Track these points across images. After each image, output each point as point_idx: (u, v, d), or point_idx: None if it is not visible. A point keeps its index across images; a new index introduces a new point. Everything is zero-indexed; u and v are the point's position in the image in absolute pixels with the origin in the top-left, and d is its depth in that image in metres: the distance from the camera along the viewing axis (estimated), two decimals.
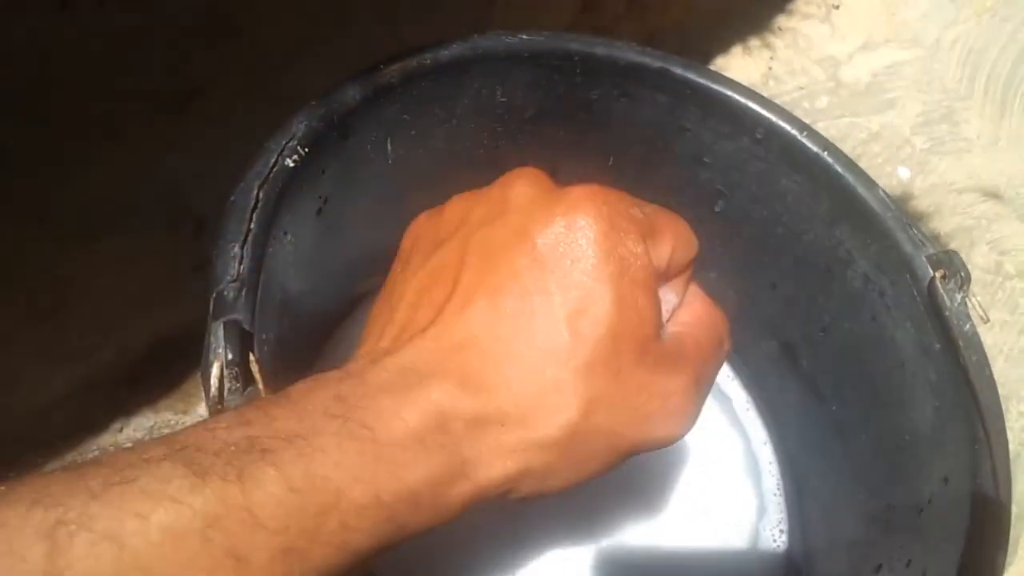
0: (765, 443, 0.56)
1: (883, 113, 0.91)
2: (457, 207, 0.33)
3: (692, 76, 0.45)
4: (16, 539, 0.19)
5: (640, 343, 0.28)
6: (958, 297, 0.40)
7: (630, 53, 0.45)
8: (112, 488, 0.20)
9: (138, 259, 0.56)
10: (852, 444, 0.49)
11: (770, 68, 0.90)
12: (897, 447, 0.44)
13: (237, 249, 0.33)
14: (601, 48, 0.45)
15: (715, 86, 0.46)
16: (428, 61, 0.42)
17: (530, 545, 0.48)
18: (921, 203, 0.86)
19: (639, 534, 0.50)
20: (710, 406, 0.56)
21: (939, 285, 0.40)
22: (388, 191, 0.47)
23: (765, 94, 0.46)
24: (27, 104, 0.45)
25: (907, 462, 0.44)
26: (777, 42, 0.91)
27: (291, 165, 0.37)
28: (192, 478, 0.21)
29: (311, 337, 0.51)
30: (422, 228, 0.35)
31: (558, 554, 0.48)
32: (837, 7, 0.95)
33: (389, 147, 0.45)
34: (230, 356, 0.30)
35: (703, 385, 0.30)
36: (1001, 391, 0.39)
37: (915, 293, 0.42)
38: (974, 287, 0.40)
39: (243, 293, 0.32)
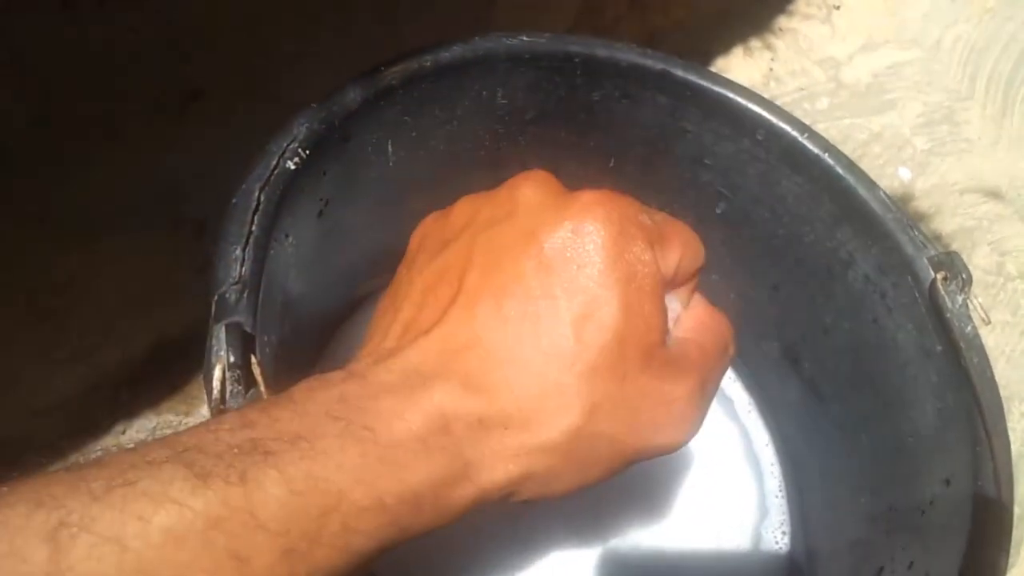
0: (767, 444, 0.56)
1: (884, 114, 0.90)
2: (465, 208, 0.33)
3: (693, 78, 0.45)
4: (18, 540, 0.19)
5: (645, 349, 0.28)
6: (959, 298, 0.40)
7: (631, 55, 0.45)
8: (114, 490, 0.20)
9: (139, 260, 0.56)
10: (854, 445, 0.49)
11: (771, 69, 0.89)
12: (899, 448, 0.44)
13: (238, 251, 0.33)
14: (602, 50, 0.45)
15: (716, 88, 0.46)
16: (429, 63, 0.42)
17: (532, 547, 0.48)
18: (922, 204, 0.86)
19: (641, 536, 0.50)
20: (712, 408, 0.56)
21: (940, 286, 0.40)
22: (389, 193, 0.47)
23: (766, 95, 0.46)
24: (27, 104, 0.46)
25: (909, 463, 0.44)
26: (778, 43, 0.91)
27: (292, 167, 0.37)
28: (194, 480, 0.21)
29: (313, 339, 0.51)
30: (429, 229, 0.34)
31: (560, 556, 0.48)
32: (838, 8, 0.95)
33: (390, 149, 0.45)
34: (232, 359, 0.30)
35: (708, 392, 0.30)
36: (1003, 392, 0.39)
37: (916, 294, 0.42)
38: (975, 288, 0.40)
39: (245, 295, 0.32)
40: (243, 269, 0.33)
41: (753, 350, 0.55)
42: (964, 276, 0.40)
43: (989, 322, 0.40)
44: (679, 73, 0.45)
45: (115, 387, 0.58)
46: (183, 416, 0.59)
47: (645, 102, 0.47)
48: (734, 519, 0.52)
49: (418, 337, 0.28)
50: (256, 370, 0.30)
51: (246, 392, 0.29)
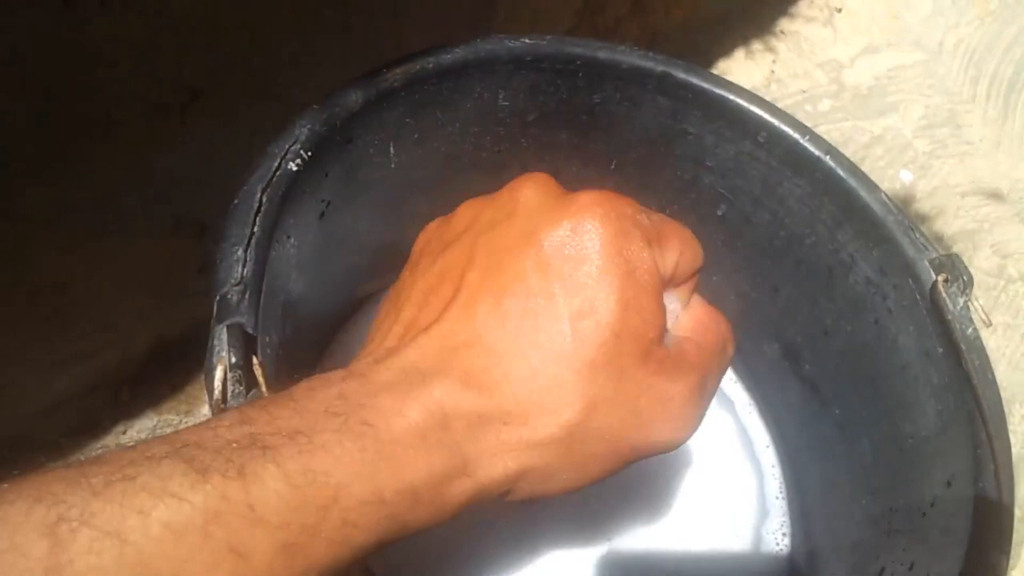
0: (767, 446, 0.56)
1: (886, 116, 0.91)
2: (466, 212, 0.33)
3: (694, 80, 0.45)
4: (18, 535, 0.19)
5: (643, 347, 0.28)
6: (960, 301, 0.40)
7: (632, 57, 0.45)
8: (113, 485, 0.20)
9: (140, 260, 0.56)
10: (854, 447, 0.49)
11: (772, 71, 0.90)
12: (899, 450, 0.44)
13: (240, 252, 0.33)
14: (603, 52, 0.45)
15: (717, 90, 0.46)
16: (430, 65, 0.42)
17: (532, 548, 0.48)
18: (923, 206, 0.86)
19: (641, 537, 0.50)
20: (713, 409, 0.56)
21: (942, 289, 0.40)
22: (390, 194, 0.47)
23: (767, 98, 0.46)
24: (27, 104, 0.46)
25: (910, 465, 0.44)
26: (779, 45, 0.91)
27: (294, 168, 0.37)
28: (193, 475, 0.21)
29: (314, 340, 0.51)
30: (432, 234, 0.35)
31: (560, 557, 0.48)
32: (839, 10, 0.95)
33: (392, 151, 0.45)
34: (233, 359, 0.30)
35: (706, 391, 0.30)
36: (1004, 394, 0.39)
37: (917, 296, 0.42)
38: (976, 290, 0.40)
39: (246, 296, 0.32)
40: (245, 270, 0.33)
41: (754, 351, 0.56)
42: (965, 278, 0.40)
43: (990, 324, 0.40)
44: (680, 75, 0.45)
45: (116, 387, 0.58)
46: (184, 416, 0.59)
47: (646, 104, 0.47)
48: (734, 520, 0.52)
49: (418, 336, 0.28)
50: (257, 371, 0.30)
51: (247, 392, 0.29)
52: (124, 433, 0.58)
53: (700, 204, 0.51)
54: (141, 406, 0.59)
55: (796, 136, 0.45)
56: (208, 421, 0.23)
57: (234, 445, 0.22)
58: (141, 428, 0.58)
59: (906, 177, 0.87)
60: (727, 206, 0.50)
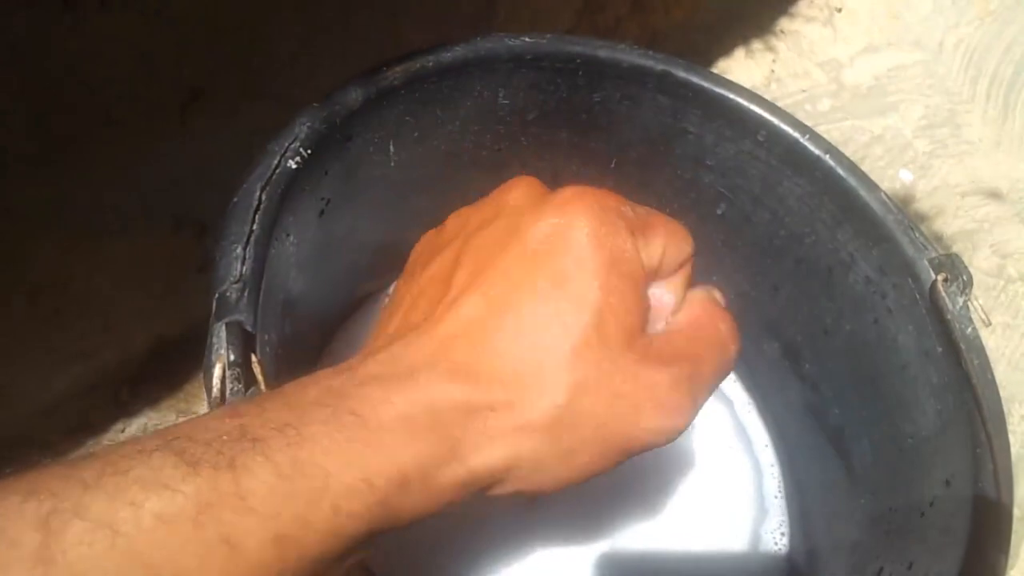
0: (766, 445, 0.56)
1: (885, 116, 0.91)
2: (455, 220, 0.34)
3: (694, 79, 0.45)
4: (11, 527, 0.19)
5: (626, 334, 0.28)
6: (960, 300, 0.40)
7: (632, 56, 0.45)
8: (106, 479, 0.20)
9: (140, 259, 0.56)
10: (854, 447, 0.49)
11: (772, 71, 0.90)
12: (899, 450, 0.44)
13: (239, 250, 0.33)
14: (603, 51, 0.45)
15: (717, 89, 0.46)
16: (430, 63, 0.42)
17: (530, 547, 0.48)
18: (923, 206, 0.86)
19: (640, 536, 0.50)
20: (712, 408, 0.56)
21: (941, 288, 0.40)
22: (390, 193, 0.47)
23: (767, 97, 0.46)
24: (27, 104, 0.46)
25: (909, 465, 0.44)
26: (779, 45, 0.91)
27: (293, 167, 0.37)
28: (184, 467, 0.21)
29: (313, 338, 0.51)
30: (424, 245, 0.36)
31: (558, 556, 0.48)
32: (839, 10, 0.95)
33: (391, 149, 0.45)
34: (232, 357, 0.30)
35: (697, 384, 0.30)
36: (1003, 394, 0.39)
37: (917, 296, 0.42)
38: (976, 290, 0.40)
39: (245, 294, 0.32)
40: (244, 268, 0.33)
41: (753, 350, 0.56)
42: (965, 278, 0.40)
43: (989, 324, 0.40)
44: (680, 74, 0.45)
45: (115, 387, 0.58)
46: (183, 415, 0.59)
47: (646, 103, 0.47)
48: (733, 520, 0.52)
49: (407, 334, 0.28)
50: (256, 369, 0.31)
51: (246, 391, 0.30)
52: (123, 432, 0.58)
53: (700, 203, 0.51)
54: (140, 405, 0.59)
55: (796, 135, 0.45)
56: (199, 416, 0.24)
57: (224, 438, 0.22)
58: (140, 427, 0.58)
59: (906, 177, 0.87)
60: (727, 205, 0.50)
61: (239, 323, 0.31)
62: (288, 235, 0.39)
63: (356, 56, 0.55)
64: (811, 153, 0.45)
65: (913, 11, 0.97)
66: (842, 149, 0.45)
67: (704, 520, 0.52)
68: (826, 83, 0.91)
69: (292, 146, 0.37)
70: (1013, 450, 0.38)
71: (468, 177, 0.50)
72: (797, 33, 0.92)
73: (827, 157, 0.45)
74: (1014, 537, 0.36)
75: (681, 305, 0.32)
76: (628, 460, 0.30)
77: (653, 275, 0.31)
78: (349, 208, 0.45)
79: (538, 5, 0.71)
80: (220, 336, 0.30)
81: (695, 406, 0.29)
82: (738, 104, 0.46)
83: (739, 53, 0.89)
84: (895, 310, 0.44)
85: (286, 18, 0.53)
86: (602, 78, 0.46)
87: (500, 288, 0.28)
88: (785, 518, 0.53)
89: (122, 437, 0.57)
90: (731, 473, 0.54)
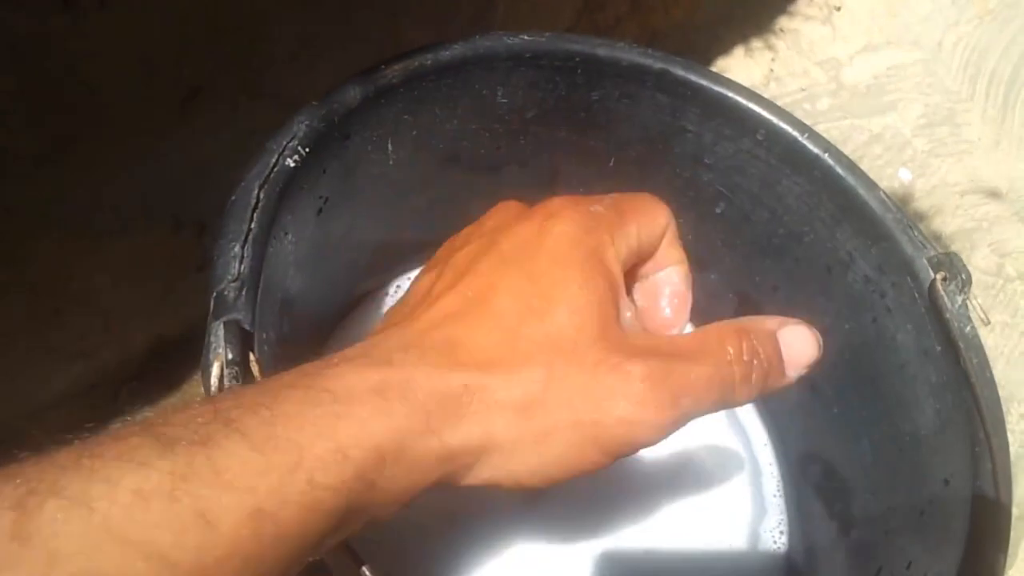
0: (765, 444, 0.56)
1: (884, 115, 0.91)
2: (442, 250, 0.36)
3: (693, 77, 0.45)
4: None
5: (601, 324, 0.29)
6: (959, 299, 0.40)
7: (632, 54, 0.45)
8: (82, 461, 0.20)
9: (140, 259, 0.56)
10: (852, 446, 0.49)
11: (771, 70, 0.90)
12: (898, 449, 0.44)
13: (238, 249, 0.33)
14: (602, 49, 0.45)
15: (716, 87, 0.46)
16: (429, 61, 0.42)
17: (530, 547, 0.48)
18: (922, 205, 0.86)
19: (639, 535, 0.50)
20: None
21: (940, 287, 0.40)
22: (389, 192, 0.47)
23: (766, 96, 0.46)
24: (28, 106, 0.46)
25: (908, 464, 0.44)
26: (779, 44, 0.91)
27: (292, 165, 0.37)
28: (160, 447, 0.21)
29: (312, 337, 0.51)
30: (418, 278, 0.37)
31: (557, 556, 0.48)
32: (839, 9, 0.95)
33: (390, 147, 0.45)
34: (230, 356, 0.30)
35: (678, 382, 0.29)
36: (1002, 393, 0.39)
37: (916, 295, 0.42)
38: (975, 289, 0.40)
39: (243, 293, 0.32)
40: (242, 266, 0.33)
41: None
42: (963, 276, 0.40)
43: (988, 323, 0.41)
44: (679, 72, 0.45)
45: (114, 386, 0.58)
46: None
47: (645, 101, 0.47)
48: (732, 519, 0.52)
49: (386, 329, 0.30)
50: (254, 367, 0.30)
51: None
52: None
53: (699, 202, 0.51)
54: (140, 405, 0.59)
55: (795, 134, 0.45)
56: (177, 406, 0.24)
57: (199, 420, 0.23)
58: None
59: (905, 176, 0.88)
60: (726, 204, 0.50)
61: (237, 322, 0.31)
62: (286, 234, 0.38)
63: (355, 55, 0.55)
64: (810, 152, 0.45)
65: (912, 10, 0.97)
66: (841, 148, 0.45)
67: (703, 519, 0.52)
68: (825, 82, 0.91)
69: (290, 144, 0.37)
70: (1012, 449, 0.38)
71: (467, 176, 0.50)
72: (796, 32, 0.92)
73: (826, 156, 0.45)
74: (1013, 536, 0.36)
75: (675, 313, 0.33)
76: (618, 463, 0.29)
77: (635, 257, 0.32)
78: (347, 207, 0.45)
79: (538, 3, 0.71)
80: (218, 335, 0.30)
81: (675, 405, 0.29)
82: (737, 103, 0.46)
83: (738, 52, 0.89)
84: (894, 309, 0.44)
85: (285, 17, 0.53)
86: (601, 77, 0.46)
87: (476, 287, 0.30)
88: (784, 517, 0.53)
89: None
90: (730, 472, 0.54)
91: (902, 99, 0.92)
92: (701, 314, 0.60)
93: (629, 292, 0.34)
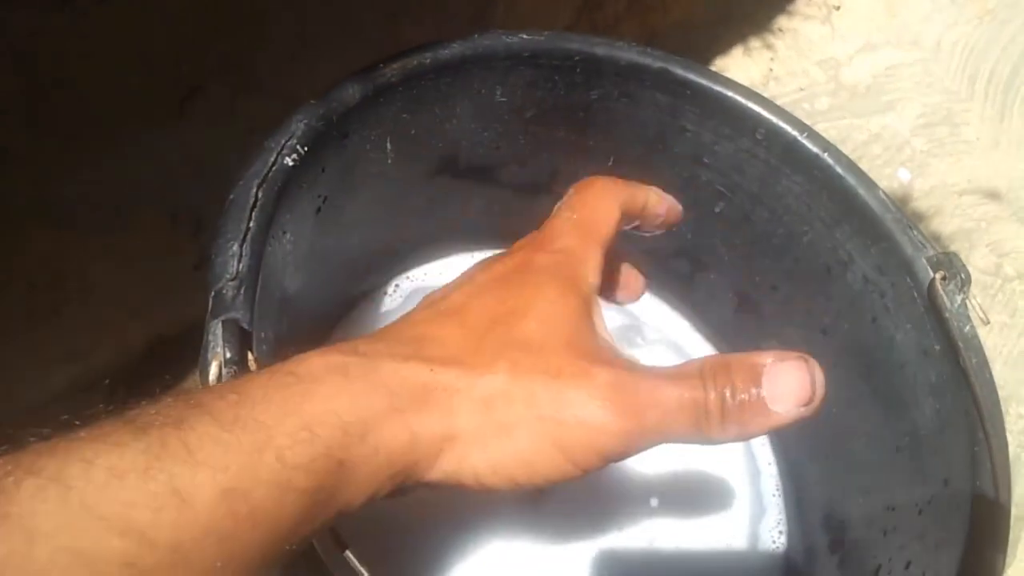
0: (764, 444, 0.56)
1: (883, 115, 0.91)
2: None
3: (693, 77, 0.45)
4: None
5: (570, 333, 0.30)
6: (958, 299, 0.40)
7: (631, 53, 0.45)
8: (58, 444, 0.21)
9: (137, 258, 0.56)
10: (852, 445, 0.49)
11: (770, 69, 0.90)
12: (897, 448, 0.44)
13: (236, 248, 0.33)
14: (601, 48, 0.45)
15: (716, 87, 0.46)
16: (428, 60, 0.42)
17: (530, 547, 0.48)
18: (921, 205, 0.86)
19: (638, 535, 0.50)
20: None
21: (939, 287, 0.40)
22: (388, 190, 0.47)
23: (765, 95, 0.46)
24: (27, 104, 0.45)
25: (907, 463, 0.43)
26: (778, 43, 0.91)
27: (290, 164, 0.37)
28: (133, 430, 0.22)
29: (310, 336, 0.51)
30: None
31: (556, 555, 0.48)
32: (838, 8, 0.95)
33: (389, 146, 0.45)
34: (229, 355, 0.30)
35: (647, 396, 0.28)
36: (1001, 393, 0.39)
37: (915, 295, 0.42)
38: (974, 289, 0.40)
39: (242, 292, 0.32)
40: (240, 265, 0.33)
41: (751, 350, 0.55)
42: (963, 276, 0.40)
43: (988, 322, 0.40)
44: (678, 72, 0.45)
45: (112, 385, 0.58)
46: None
47: (644, 101, 0.47)
48: (731, 518, 0.52)
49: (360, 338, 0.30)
50: (253, 366, 0.30)
51: None
52: None
53: (698, 202, 0.51)
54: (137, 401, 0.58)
55: (794, 133, 0.45)
56: (149, 400, 0.25)
57: (170, 408, 0.23)
58: None
59: (903, 176, 0.88)
60: (725, 204, 0.50)
61: (236, 321, 0.31)
62: (285, 233, 0.38)
63: (354, 53, 0.55)
64: (809, 151, 0.45)
65: (911, 10, 0.97)
66: (840, 148, 0.45)
67: (702, 518, 0.52)
68: (824, 81, 0.91)
69: (289, 143, 0.37)
70: (1011, 449, 0.38)
71: (466, 175, 0.50)
72: (795, 31, 0.92)
73: (825, 155, 0.45)
74: (1012, 536, 0.36)
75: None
76: (618, 463, 0.29)
77: (604, 243, 0.34)
78: (346, 206, 0.45)
79: (537, 2, 0.71)
80: (216, 334, 0.30)
81: (639, 415, 0.28)
82: (736, 102, 0.46)
83: (737, 51, 0.89)
84: (893, 309, 0.44)
85: (284, 16, 0.52)
86: (600, 76, 0.46)
87: (448, 305, 0.31)
88: (783, 516, 0.53)
89: None
90: (729, 472, 0.54)
91: (901, 99, 0.92)
92: (701, 313, 0.60)
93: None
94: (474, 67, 0.44)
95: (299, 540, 0.24)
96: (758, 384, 0.28)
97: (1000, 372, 0.76)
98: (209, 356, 0.30)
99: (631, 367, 0.29)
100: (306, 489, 0.24)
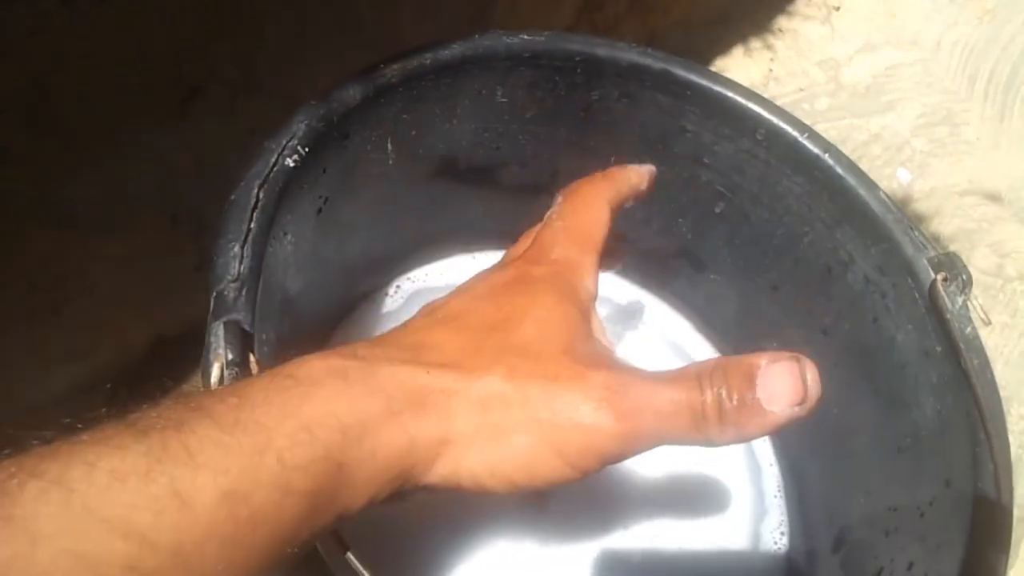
0: (765, 445, 0.56)
1: (883, 115, 0.91)
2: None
3: (693, 77, 0.45)
4: None
5: (567, 339, 0.30)
6: (959, 299, 0.40)
7: (631, 54, 0.45)
8: (61, 447, 0.21)
9: (138, 258, 0.56)
10: (853, 446, 0.49)
11: (771, 70, 0.89)
12: (898, 449, 0.44)
13: (237, 249, 0.33)
14: (602, 49, 0.45)
15: (716, 87, 0.46)
16: (428, 61, 0.42)
17: (530, 549, 0.48)
18: (921, 205, 0.86)
19: (639, 536, 0.50)
20: None
21: (940, 287, 0.40)
22: (388, 191, 0.47)
23: (766, 95, 0.46)
24: (26, 102, 0.45)
25: (908, 464, 0.43)
26: (778, 43, 0.91)
27: (291, 165, 0.37)
28: (135, 433, 0.22)
29: (312, 337, 0.51)
30: None
31: (557, 556, 0.48)
32: (838, 9, 0.95)
33: (389, 147, 0.45)
34: (230, 356, 0.30)
35: (640, 396, 0.28)
36: (1002, 393, 0.39)
37: (916, 295, 0.42)
38: (975, 290, 0.40)
39: (243, 293, 0.32)
40: (242, 266, 0.33)
41: (752, 350, 0.55)
42: (964, 277, 0.40)
43: (989, 323, 0.40)
44: (679, 72, 0.45)
45: (113, 386, 0.58)
46: None
47: (645, 101, 0.47)
48: (733, 519, 0.52)
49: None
50: (254, 368, 0.30)
51: None
52: None
53: (698, 202, 0.51)
54: (138, 405, 0.58)
55: (795, 134, 0.45)
56: (150, 404, 0.25)
57: (170, 411, 0.23)
58: None
59: (904, 176, 0.87)
60: (726, 204, 0.50)
61: (237, 322, 0.31)
62: (286, 234, 0.38)
63: (354, 53, 0.55)
64: (810, 152, 0.45)
65: (911, 10, 0.97)
66: (840, 148, 0.45)
67: (704, 519, 0.52)
68: (824, 82, 0.91)
69: (290, 144, 0.37)
70: (1012, 449, 0.38)
71: (466, 176, 0.50)
72: (795, 32, 0.92)
73: (826, 156, 0.45)
74: (1014, 537, 0.36)
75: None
76: (618, 464, 0.29)
77: (595, 246, 0.35)
78: (347, 206, 0.45)
79: (537, 3, 0.71)
80: (218, 335, 0.30)
81: (635, 416, 0.28)
82: (736, 102, 0.46)
83: (737, 52, 0.89)
84: (894, 309, 0.44)
85: (284, 15, 0.52)
86: (600, 76, 0.46)
87: (446, 313, 0.32)
88: (785, 517, 0.53)
89: None
90: (731, 472, 0.54)
91: (901, 99, 0.92)
92: (702, 314, 0.60)
93: None
94: (474, 68, 0.44)
95: (299, 543, 0.24)
96: (753, 386, 0.28)
97: (1001, 373, 0.76)
98: (211, 358, 0.30)
99: (629, 371, 0.30)
100: (306, 491, 0.24)
